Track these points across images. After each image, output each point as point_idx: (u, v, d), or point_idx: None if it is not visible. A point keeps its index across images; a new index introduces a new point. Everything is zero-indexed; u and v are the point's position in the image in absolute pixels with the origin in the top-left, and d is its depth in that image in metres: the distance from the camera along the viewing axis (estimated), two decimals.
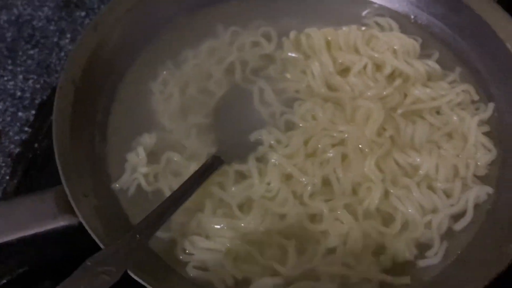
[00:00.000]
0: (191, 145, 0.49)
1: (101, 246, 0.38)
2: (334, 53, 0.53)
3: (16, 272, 0.43)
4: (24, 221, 0.39)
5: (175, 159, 0.48)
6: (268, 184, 0.46)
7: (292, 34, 0.55)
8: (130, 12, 0.52)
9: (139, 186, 0.47)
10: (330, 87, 0.52)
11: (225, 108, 0.51)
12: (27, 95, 0.60)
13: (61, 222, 0.40)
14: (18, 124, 0.58)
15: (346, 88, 0.51)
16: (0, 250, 0.40)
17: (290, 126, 0.50)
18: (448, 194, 0.46)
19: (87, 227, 0.39)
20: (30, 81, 0.61)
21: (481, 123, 0.50)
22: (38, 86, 0.61)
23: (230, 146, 0.48)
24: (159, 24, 0.55)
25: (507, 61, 0.50)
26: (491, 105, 0.50)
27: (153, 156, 0.48)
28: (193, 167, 0.47)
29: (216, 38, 0.56)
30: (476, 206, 0.46)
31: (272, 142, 0.48)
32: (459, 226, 0.45)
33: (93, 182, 0.45)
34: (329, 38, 0.54)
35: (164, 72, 0.53)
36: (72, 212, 0.40)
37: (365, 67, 0.52)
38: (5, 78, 0.61)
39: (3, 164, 0.55)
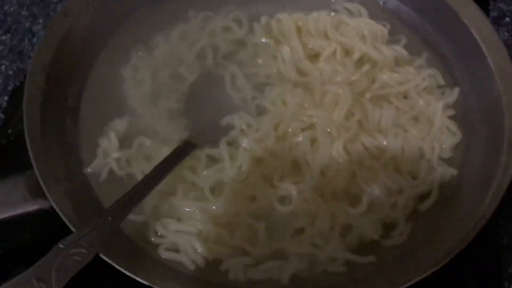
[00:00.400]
0: (162, 130, 0.50)
1: (72, 229, 0.38)
2: (304, 38, 0.54)
3: None
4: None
5: (147, 143, 0.49)
6: (239, 168, 0.47)
7: (263, 19, 0.55)
8: None
9: (111, 171, 0.47)
10: (300, 72, 0.53)
11: (196, 93, 0.52)
12: (0, 81, 0.60)
13: (32, 206, 0.40)
14: None
15: (316, 73, 0.52)
16: None
17: (260, 111, 0.50)
18: (413, 176, 0.48)
19: (58, 210, 0.39)
20: (3, 67, 0.60)
21: (447, 107, 0.51)
22: (10, 72, 0.60)
23: (201, 130, 0.49)
24: (131, 8, 0.55)
25: (472, 46, 0.51)
26: (456, 90, 0.52)
27: (125, 141, 0.49)
28: (165, 151, 0.47)
29: (188, 23, 0.56)
30: (441, 187, 0.47)
31: (243, 126, 0.49)
32: (424, 207, 0.47)
33: (65, 166, 0.45)
34: (299, 24, 0.55)
35: (135, 57, 0.54)
36: (43, 196, 0.40)
37: (334, 52, 0.53)
38: None
39: None
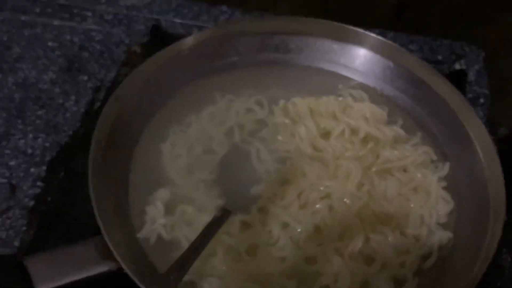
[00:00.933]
0: (199, 198, 0.57)
1: (141, 286, 0.45)
2: (317, 119, 0.63)
3: None
4: (74, 267, 0.45)
5: (188, 211, 0.56)
6: (270, 232, 0.54)
7: (281, 103, 0.64)
8: (145, 83, 0.61)
9: (159, 236, 0.54)
10: (315, 148, 0.61)
11: (226, 165, 0.59)
12: (38, 152, 0.65)
13: (103, 268, 0.46)
14: (30, 179, 0.63)
15: (329, 149, 0.61)
16: None
17: (284, 181, 0.58)
18: (417, 239, 0.56)
19: (127, 271, 0.46)
20: (39, 140, 0.66)
21: (440, 179, 0.60)
22: (47, 144, 0.65)
23: (234, 198, 0.56)
24: (167, 93, 0.64)
25: (458, 127, 0.61)
26: (447, 164, 0.61)
27: (168, 209, 0.56)
28: (204, 217, 0.54)
29: (215, 104, 0.65)
30: (440, 248, 0.55)
31: (269, 195, 0.57)
32: (427, 264, 0.54)
33: (121, 233, 0.52)
34: (312, 106, 0.64)
35: (172, 135, 0.61)
36: (111, 258, 0.47)
37: (343, 131, 0.62)
38: (16, 137, 0.66)
39: (19, 216, 0.60)
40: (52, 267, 0.46)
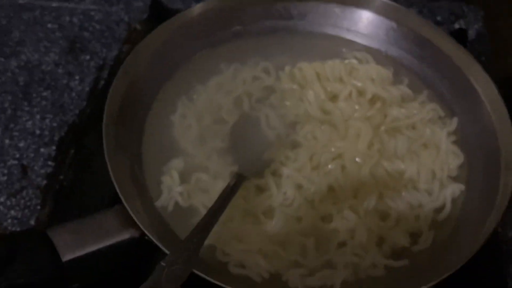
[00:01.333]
0: (213, 166, 0.57)
1: (166, 251, 0.46)
2: (324, 83, 0.63)
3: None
4: (97, 235, 0.46)
5: (203, 178, 0.56)
6: (285, 193, 0.55)
7: (287, 69, 0.65)
8: (151, 56, 0.61)
9: (176, 204, 0.55)
10: (324, 111, 0.62)
11: (238, 133, 0.60)
12: (46, 132, 0.65)
13: (126, 235, 0.47)
14: (41, 159, 0.63)
15: (337, 111, 0.61)
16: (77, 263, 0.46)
17: (295, 145, 0.59)
18: (429, 193, 0.57)
19: (150, 237, 0.46)
20: (47, 120, 0.66)
21: (449, 134, 0.60)
22: (55, 124, 0.66)
23: (247, 164, 0.57)
24: (173, 65, 0.64)
25: (464, 82, 0.62)
26: (455, 119, 0.62)
27: (183, 177, 0.56)
28: (219, 184, 0.55)
29: (221, 74, 0.65)
30: (453, 201, 0.56)
31: (282, 159, 0.58)
32: (441, 217, 0.55)
33: (140, 202, 0.52)
34: (318, 71, 0.64)
35: (181, 106, 0.62)
36: (133, 226, 0.47)
37: (350, 94, 0.63)
38: (24, 119, 0.66)
39: (33, 196, 0.60)
40: (76, 237, 0.46)
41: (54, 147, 0.64)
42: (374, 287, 0.51)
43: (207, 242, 0.51)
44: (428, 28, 0.65)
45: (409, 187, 0.56)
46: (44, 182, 0.61)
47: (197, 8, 0.66)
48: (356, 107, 0.62)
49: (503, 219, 0.55)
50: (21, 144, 0.64)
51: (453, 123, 0.61)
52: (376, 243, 0.53)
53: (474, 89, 0.61)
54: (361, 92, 0.63)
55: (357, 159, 0.58)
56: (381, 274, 0.52)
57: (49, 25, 0.76)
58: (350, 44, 0.68)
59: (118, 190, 0.49)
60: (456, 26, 0.77)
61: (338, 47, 0.68)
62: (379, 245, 0.53)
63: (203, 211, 0.54)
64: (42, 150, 0.64)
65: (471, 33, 0.75)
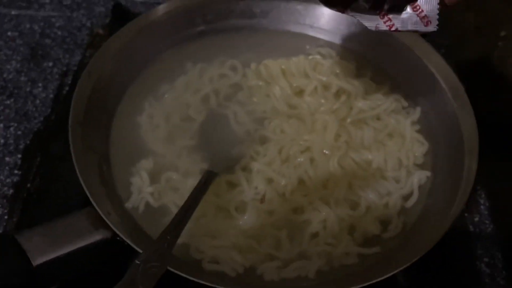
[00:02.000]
0: (183, 164, 0.57)
1: (139, 250, 0.45)
2: (289, 78, 0.64)
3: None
4: (68, 238, 0.45)
5: (174, 177, 0.56)
6: (256, 188, 0.56)
7: (253, 65, 0.65)
8: (115, 57, 0.61)
9: (147, 204, 0.54)
10: (291, 106, 0.63)
11: (206, 130, 0.60)
12: (11, 141, 0.64)
13: (98, 236, 0.47)
14: (7, 168, 0.62)
15: (304, 106, 0.62)
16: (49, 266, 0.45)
17: (264, 140, 0.60)
18: (397, 180, 0.58)
19: (122, 237, 0.46)
20: (11, 128, 0.65)
21: (413, 123, 0.62)
22: (19, 132, 0.65)
23: (217, 161, 0.57)
24: (138, 65, 0.64)
25: (425, 72, 0.64)
26: (418, 109, 0.63)
27: (152, 177, 0.56)
28: (190, 182, 0.55)
29: (187, 74, 0.65)
30: (420, 187, 0.58)
31: (252, 154, 0.58)
32: (409, 204, 0.57)
33: (110, 203, 0.52)
34: (283, 67, 0.65)
35: (148, 106, 0.62)
36: (104, 227, 0.47)
37: (315, 88, 0.64)
38: None
39: (0, 206, 0.59)
40: (46, 240, 0.45)
41: (19, 156, 0.63)
42: (348, 275, 0.51)
43: (180, 240, 0.51)
44: None
45: (377, 176, 0.57)
46: (11, 191, 0.60)
47: (160, 9, 0.66)
48: (322, 101, 0.63)
49: (468, 203, 0.57)
50: None
51: (416, 112, 0.63)
52: (348, 232, 0.54)
53: (435, 78, 0.62)
54: (326, 87, 0.64)
55: (325, 151, 0.58)
56: (354, 262, 0.52)
57: (9, 33, 0.75)
58: (313, 40, 0.69)
59: (87, 192, 0.48)
60: None
61: (301, 43, 0.69)
62: (351, 234, 0.54)
63: (174, 210, 0.54)
64: (7, 159, 0.63)
65: None
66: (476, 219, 0.61)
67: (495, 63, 0.88)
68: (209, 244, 0.52)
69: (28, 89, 0.69)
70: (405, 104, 0.64)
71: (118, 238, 0.48)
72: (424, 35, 0.73)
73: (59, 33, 0.75)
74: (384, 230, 0.55)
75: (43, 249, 0.45)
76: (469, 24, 0.86)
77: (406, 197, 0.57)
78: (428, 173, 0.59)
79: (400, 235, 0.55)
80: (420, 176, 0.58)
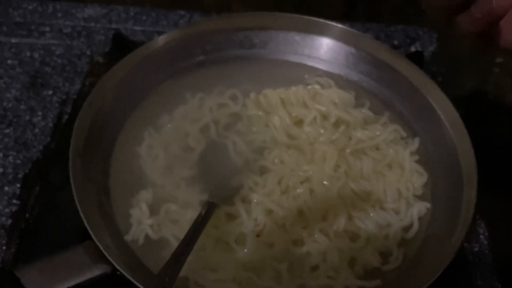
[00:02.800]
0: (182, 195, 0.57)
1: (140, 286, 0.45)
2: (288, 108, 0.65)
3: None
4: (67, 273, 0.45)
5: (173, 209, 0.56)
6: (255, 220, 0.55)
7: (252, 95, 0.66)
8: (116, 88, 0.61)
9: (147, 236, 0.54)
10: (290, 136, 0.63)
11: (205, 160, 0.60)
12: (10, 170, 0.64)
13: (97, 271, 0.46)
14: (5, 197, 0.62)
15: (303, 136, 0.62)
16: None
17: (263, 170, 0.60)
18: (396, 212, 0.58)
19: (123, 272, 0.46)
20: (10, 157, 0.65)
21: (412, 153, 0.62)
22: (18, 161, 0.65)
23: (216, 192, 0.57)
24: (138, 96, 0.64)
25: (423, 102, 0.64)
26: (417, 139, 0.63)
27: (152, 209, 0.56)
28: (189, 214, 0.55)
29: (187, 104, 0.65)
30: (420, 219, 0.57)
31: (251, 184, 0.58)
32: (409, 235, 0.57)
33: (109, 236, 0.52)
34: (282, 97, 0.65)
35: (147, 137, 0.62)
36: (104, 261, 0.47)
37: (314, 118, 0.64)
38: None
39: None
40: (45, 276, 0.45)
41: (18, 185, 0.63)
42: None
43: (180, 273, 0.51)
44: (385, 51, 0.67)
45: (376, 207, 0.57)
46: (9, 221, 0.60)
47: (160, 40, 0.66)
48: (321, 131, 0.63)
49: (468, 234, 0.57)
50: None
51: (415, 142, 0.63)
52: (348, 264, 0.54)
53: (433, 108, 0.63)
54: (325, 116, 0.65)
55: (324, 182, 0.59)
56: None
57: (9, 61, 0.75)
58: (312, 70, 0.70)
59: (86, 225, 0.48)
60: (413, 48, 0.80)
61: (300, 73, 0.69)
62: (351, 266, 0.54)
63: (174, 243, 0.54)
64: (6, 188, 0.62)
65: (427, 55, 0.78)
66: (476, 249, 0.61)
67: (491, 90, 0.89)
68: (208, 277, 0.52)
69: (27, 118, 0.69)
70: (404, 134, 0.64)
71: (118, 273, 0.47)
72: (421, 63, 0.75)
73: (59, 61, 0.76)
74: (385, 262, 0.55)
75: (43, 284, 0.45)
76: (465, 51, 0.88)
77: (406, 229, 0.57)
78: (428, 205, 0.58)
79: (401, 267, 0.54)
80: (420, 208, 0.58)
